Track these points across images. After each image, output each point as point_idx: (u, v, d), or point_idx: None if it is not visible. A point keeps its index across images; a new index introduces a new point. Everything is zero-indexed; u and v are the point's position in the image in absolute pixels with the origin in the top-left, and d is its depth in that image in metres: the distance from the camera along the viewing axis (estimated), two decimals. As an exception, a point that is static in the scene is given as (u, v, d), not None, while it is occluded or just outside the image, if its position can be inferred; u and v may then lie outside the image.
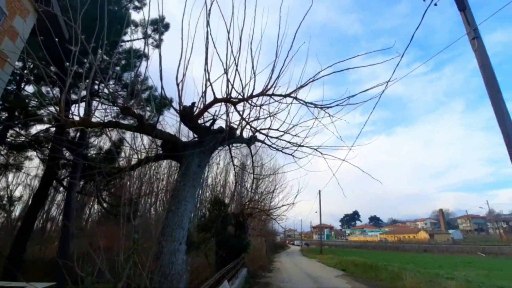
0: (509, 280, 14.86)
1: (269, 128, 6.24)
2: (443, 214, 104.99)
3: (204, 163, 5.22)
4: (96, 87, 11.08)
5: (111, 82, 9.48)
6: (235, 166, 6.61)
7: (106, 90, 9.14)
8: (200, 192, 13.64)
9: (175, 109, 5.00)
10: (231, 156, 6.36)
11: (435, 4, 6.43)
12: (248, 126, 6.25)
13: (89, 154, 11.98)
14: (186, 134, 10.32)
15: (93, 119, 4.15)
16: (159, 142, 5.53)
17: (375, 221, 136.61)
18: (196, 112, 4.89)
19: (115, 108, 10.18)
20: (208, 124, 5.27)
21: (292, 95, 4.81)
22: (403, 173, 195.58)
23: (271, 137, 5.87)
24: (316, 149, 5.64)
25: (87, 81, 4.19)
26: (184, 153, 4.86)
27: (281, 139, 5.61)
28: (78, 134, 11.20)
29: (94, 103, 9.25)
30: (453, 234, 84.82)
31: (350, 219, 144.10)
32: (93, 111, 4.17)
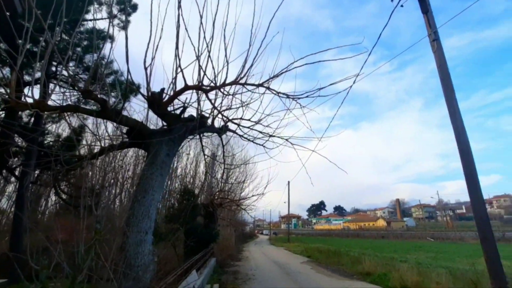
0: (452, 261, 16.62)
1: (241, 118, 6.22)
2: (400, 203, 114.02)
3: (173, 152, 5.08)
4: (53, 68, 10.15)
5: (71, 64, 8.72)
6: (205, 156, 6.52)
7: (65, 72, 8.40)
8: (169, 182, 13.32)
9: (143, 95, 4.78)
10: (202, 146, 6.26)
11: (402, 6, 6.78)
12: (219, 115, 6.18)
13: (46, 141, 11.04)
14: (155, 122, 9.92)
15: (50, 103, 3.82)
16: (124, 129, 5.26)
17: (339, 210, 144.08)
18: (165, 99, 4.71)
19: (75, 92, 9.42)
20: (178, 112, 5.11)
21: (265, 84, 4.83)
22: (366, 165, 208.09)
23: (243, 126, 5.87)
24: (287, 140, 5.76)
25: (43, 61, 3.82)
26: (152, 141, 4.68)
27: (253, 129, 5.64)
28: (33, 119, 10.24)
29: (51, 86, 8.48)
30: (407, 221, 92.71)
31: (317, 208, 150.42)
32: (49, 94, 3.82)
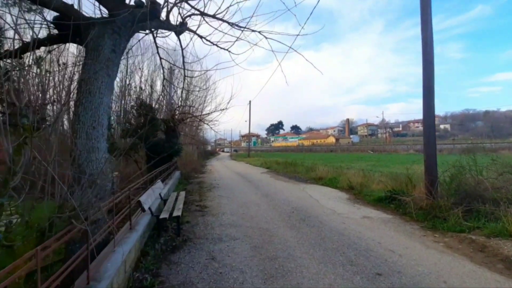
0: (388, 167, 19.49)
1: (202, 13, 5.22)
2: (349, 122, 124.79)
3: (120, 49, 4.18)
4: None
5: None
6: (161, 59, 5.61)
7: None
8: (123, 102, 12.05)
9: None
10: (157, 46, 5.30)
11: None
12: (176, 8, 5.09)
13: None
14: (93, 11, 8.04)
15: None
16: (52, 20, 4.06)
17: (295, 129, 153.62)
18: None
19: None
20: (120, -7, 3.99)
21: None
22: (323, 87, 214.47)
23: (207, 15, 4.94)
24: (259, 32, 5.09)
25: None
26: (91, 33, 3.71)
27: (218, 19, 4.80)
28: None
29: None
30: (353, 138, 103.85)
31: (275, 128, 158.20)
32: None
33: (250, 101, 42.81)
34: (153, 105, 11.32)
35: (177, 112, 11.42)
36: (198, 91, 17.64)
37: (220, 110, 11.69)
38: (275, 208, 7.22)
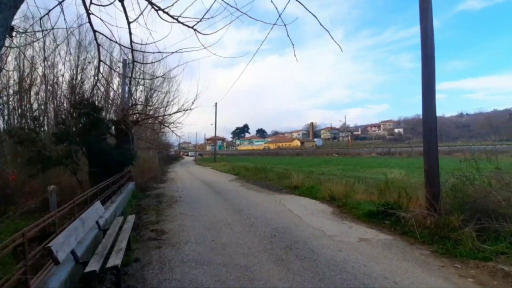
0: (356, 171, 19.32)
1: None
2: (313, 126, 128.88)
3: None
4: None
5: None
6: (96, 34, 3.95)
7: None
8: (58, 92, 9.82)
9: None
10: (88, 13, 3.67)
11: None
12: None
13: None
14: None
15: None
16: None
17: (261, 133, 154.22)
18: None
19: None
20: None
21: None
22: (288, 91, 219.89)
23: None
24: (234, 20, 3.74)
25: None
26: None
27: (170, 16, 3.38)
28: None
29: None
30: (317, 141, 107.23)
31: (241, 131, 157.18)
32: None
33: (216, 103, 41.13)
34: (97, 103, 9.24)
35: (130, 112, 9.53)
36: (157, 87, 15.75)
37: (184, 110, 10.07)
38: (251, 230, 5.87)
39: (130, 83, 11.71)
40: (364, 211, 6.74)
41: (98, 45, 3.99)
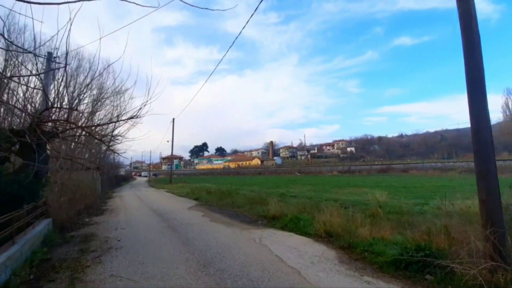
0: (328, 192, 17.91)
1: None
2: (273, 145, 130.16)
3: None
4: None
5: None
6: None
7: None
8: None
9: None
10: None
11: None
12: None
13: None
14: None
15: None
16: None
17: (220, 151, 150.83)
18: None
19: None
20: None
21: None
22: (246, 110, 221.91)
23: None
24: None
25: None
26: None
27: None
28: None
29: None
30: (277, 160, 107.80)
31: (199, 150, 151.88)
32: None
33: (173, 119, 37.81)
34: None
35: (45, 119, 6.53)
36: (106, 99, 12.81)
37: (129, 119, 7.38)
38: (233, 311, 3.47)
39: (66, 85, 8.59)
40: (387, 258, 4.78)
41: None
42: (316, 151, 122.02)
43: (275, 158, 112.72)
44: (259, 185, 26.86)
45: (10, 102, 7.20)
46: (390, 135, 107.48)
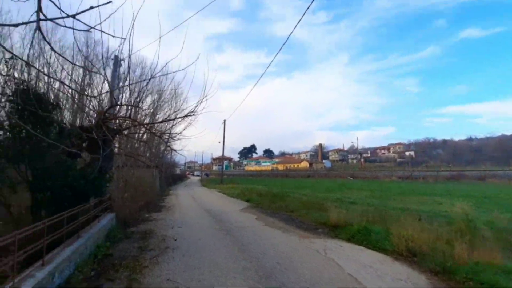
0: (393, 200, 15.92)
1: None
2: (322, 148, 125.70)
3: None
4: None
5: None
6: None
7: None
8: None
9: None
10: None
11: None
12: None
13: None
14: None
15: None
16: None
17: (268, 153, 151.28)
18: None
19: None
20: None
21: None
22: (294, 112, 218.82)
23: None
24: None
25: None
26: None
27: None
28: None
29: None
30: (326, 163, 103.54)
31: (248, 151, 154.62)
32: None
33: (224, 120, 38.70)
34: (55, 100, 6.40)
35: (109, 115, 6.74)
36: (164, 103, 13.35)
37: (186, 116, 7.26)
38: None
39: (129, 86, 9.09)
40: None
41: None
42: (369, 154, 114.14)
43: (324, 161, 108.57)
44: (310, 188, 25.61)
45: (84, 103, 7.70)
46: (456, 138, 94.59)
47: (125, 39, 4.72)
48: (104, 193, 7.14)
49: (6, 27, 7.39)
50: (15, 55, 5.56)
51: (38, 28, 2.02)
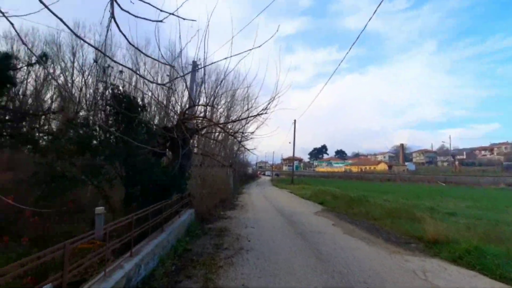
0: (506, 213, 12.62)
1: None
2: (403, 148, 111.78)
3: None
4: None
5: None
6: None
7: None
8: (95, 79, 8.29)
9: None
10: None
11: None
12: None
13: None
14: None
15: None
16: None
17: (340, 154, 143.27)
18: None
19: None
20: None
21: None
22: (369, 110, 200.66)
23: None
24: None
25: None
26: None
27: None
28: None
29: None
30: (408, 166, 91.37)
31: (318, 152, 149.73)
32: None
33: (295, 120, 38.17)
34: (142, 102, 7.00)
35: (189, 116, 7.06)
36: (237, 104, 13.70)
37: (258, 114, 7.08)
38: None
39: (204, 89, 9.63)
40: None
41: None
42: (464, 156, 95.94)
43: (406, 163, 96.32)
44: (393, 193, 22.72)
45: (168, 106, 8.41)
46: None
47: (195, 20, 4.77)
48: (184, 190, 7.56)
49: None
50: (118, 63, 6.33)
51: (113, 17, 1.95)
